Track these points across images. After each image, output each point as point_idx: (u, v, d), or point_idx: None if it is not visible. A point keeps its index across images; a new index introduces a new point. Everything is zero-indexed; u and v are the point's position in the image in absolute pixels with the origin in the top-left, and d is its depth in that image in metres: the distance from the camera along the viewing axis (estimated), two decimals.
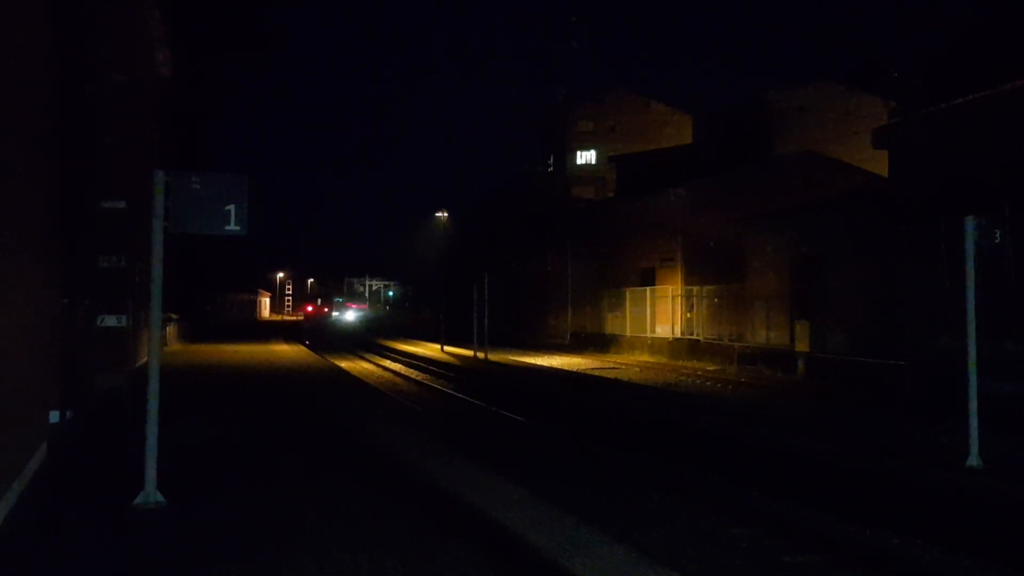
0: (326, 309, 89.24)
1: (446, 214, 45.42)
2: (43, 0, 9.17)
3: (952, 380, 17.23)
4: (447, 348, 37.43)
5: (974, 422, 10.54)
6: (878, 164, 29.65)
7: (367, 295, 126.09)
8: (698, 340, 30.21)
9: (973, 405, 10.60)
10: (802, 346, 24.21)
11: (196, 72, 32.66)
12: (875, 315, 21.27)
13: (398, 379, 25.98)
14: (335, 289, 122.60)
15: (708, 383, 23.12)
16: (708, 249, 30.92)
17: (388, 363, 32.40)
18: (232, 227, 7.96)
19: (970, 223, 10.79)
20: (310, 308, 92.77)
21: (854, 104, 41.18)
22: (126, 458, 8.72)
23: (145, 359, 20.15)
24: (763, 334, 26.82)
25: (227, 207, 7.95)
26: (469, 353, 33.89)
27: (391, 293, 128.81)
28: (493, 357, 31.76)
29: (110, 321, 12.52)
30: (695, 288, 31.21)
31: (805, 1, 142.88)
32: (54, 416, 10.62)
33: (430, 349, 38.77)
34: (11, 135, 7.25)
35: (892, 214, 21.20)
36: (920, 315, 19.43)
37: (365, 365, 31.77)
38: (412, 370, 28.79)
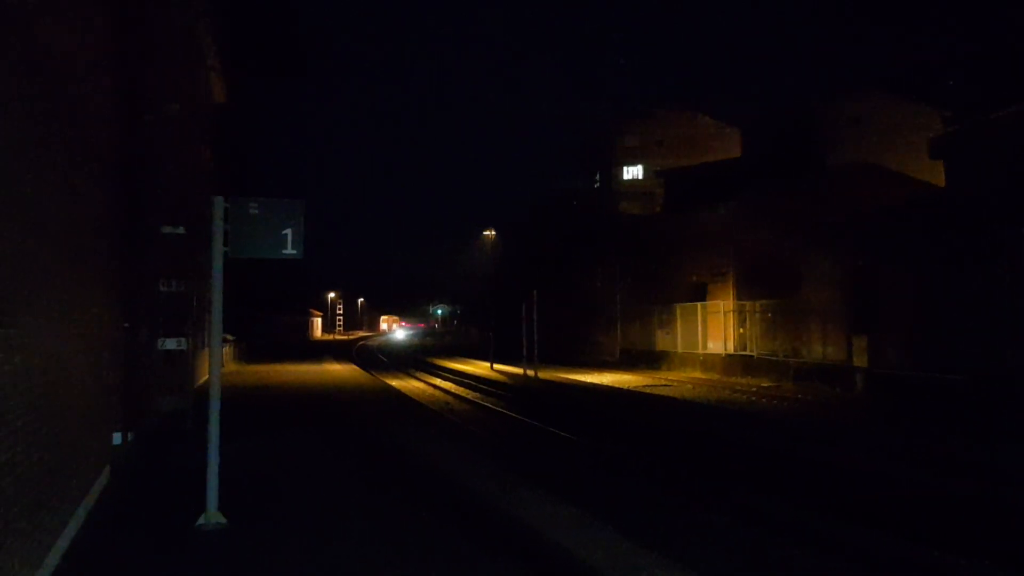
0: (395, 326, 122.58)
1: (493, 232, 45.45)
2: (108, 32, 9.44)
3: (1017, 395, 16.75)
4: (496, 366, 37.43)
5: None
6: (933, 174, 29.06)
7: (417, 313, 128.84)
8: (752, 356, 29.78)
9: None
10: (860, 361, 23.71)
11: (250, 97, 33.33)
12: (935, 329, 20.76)
13: (449, 397, 26.02)
14: (385, 308, 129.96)
15: (764, 400, 22.75)
16: (760, 263, 30.52)
17: (438, 381, 32.49)
18: (289, 251, 8.06)
19: None
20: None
21: (907, 114, 40.49)
22: (187, 479, 8.86)
23: (203, 380, 20.51)
24: (819, 349, 26.34)
25: (284, 231, 8.06)
26: (519, 371, 33.83)
27: (439, 311, 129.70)
28: (543, 375, 31.66)
29: (170, 344, 12.76)
30: (748, 303, 30.79)
31: (855, 12, 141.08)
32: (117, 438, 10.82)
33: (479, 367, 38.81)
34: (82, 168, 7.45)
35: (951, 225, 20.73)
36: (982, 328, 18.92)
37: (415, 384, 31.90)
38: (462, 388, 28.82)
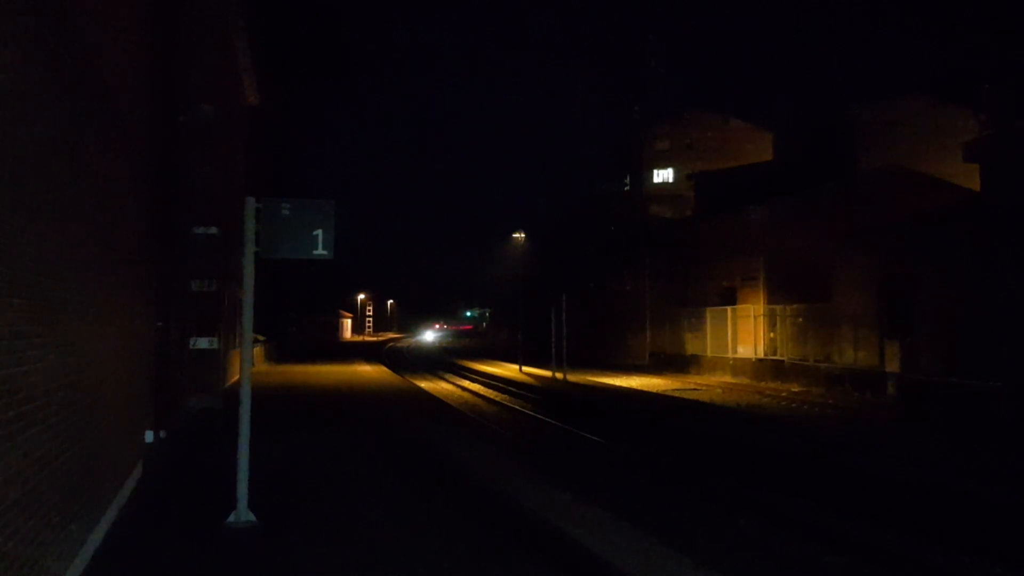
0: (441, 327, 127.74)
1: (523, 234, 45.41)
2: (145, 35, 9.57)
3: None
4: (525, 368, 37.40)
5: None
6: (968, 179, 28.60)
7: (448, 315, 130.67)
8: (782, 360, 29.51)
9: None
10: (892, 367, 23.41)
11: (281, 98, 33.62)
12: (970, 334, 20.43)
13: (478, 400, 26.04)
14: (415, 310, 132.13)
15: (794, 405, 22.53)
16: (792, 267, 30.24)
17: (467, 383, 32.55)
18: (320, 251, 8.10)
19: None
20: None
21: (942, 118, 39.86)
22: (218, 477, 8.94)
23: (234, 379, 20.70)
24: (851, 354, 26.02)
25: (315, 232, 8.10)
26: (547, 374, 33.78)
27: (468, 313, 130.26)
28: (572, 378, 31.57)
29: (202, 343, 12.89)
30: (778, 307, 30.51)
31: (890, 17, 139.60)
32: (149, 436, 10.96)
33: (508, 369, 38.81)
34: (118, 167, 7.56)
35: (986, 229, 20.40)
36: (1019, 333, 18.59)
37: (445, 386, 31.97)
38: (491, 391, 28.83)
